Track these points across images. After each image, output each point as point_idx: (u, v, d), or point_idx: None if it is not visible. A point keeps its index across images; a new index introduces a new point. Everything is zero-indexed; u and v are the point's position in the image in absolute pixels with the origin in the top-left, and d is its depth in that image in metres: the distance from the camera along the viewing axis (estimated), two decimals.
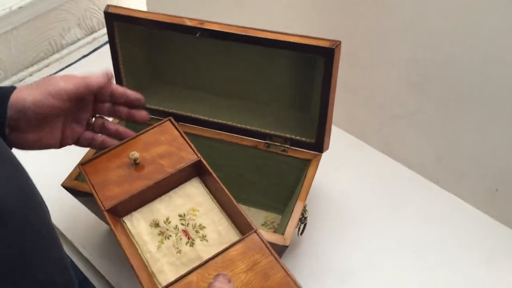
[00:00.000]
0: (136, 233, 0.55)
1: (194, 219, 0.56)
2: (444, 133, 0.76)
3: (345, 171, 0.84)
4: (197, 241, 0.54)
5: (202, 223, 0.55)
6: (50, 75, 1.06)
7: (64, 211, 0.78)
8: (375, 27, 0.75)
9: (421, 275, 0.71)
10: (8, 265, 0.37)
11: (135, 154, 0.56)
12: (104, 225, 0.76)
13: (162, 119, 0.76)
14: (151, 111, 0.76)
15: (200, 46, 0.72)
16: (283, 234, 0.61)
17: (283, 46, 0.63)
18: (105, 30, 1.18)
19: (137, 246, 0.54)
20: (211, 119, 0.75)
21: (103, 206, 0.54)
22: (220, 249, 0.51)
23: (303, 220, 0.68)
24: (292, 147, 0.72)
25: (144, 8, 1.17)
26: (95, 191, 0.56)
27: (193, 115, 0.75)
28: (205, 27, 0.66)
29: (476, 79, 0.70)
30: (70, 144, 0.60)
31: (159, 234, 0.55)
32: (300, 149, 0.72)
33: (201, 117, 0.75)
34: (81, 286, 0.73)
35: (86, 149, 0.72)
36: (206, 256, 0.51)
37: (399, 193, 0.81)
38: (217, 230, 0.55)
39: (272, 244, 0.61)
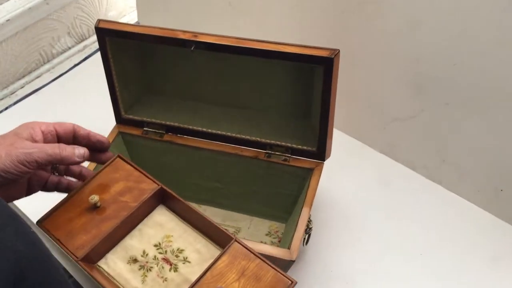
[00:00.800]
0: (115, 274, 0.54)
1: (170, 245, 0.56)
2: (447, 134, 0.75)
3: (348, 174, 0.83)
4: (180, 265, 0.54)
5: (180, 247, 0.55)
6: (42, 86, 1.04)
7: None
8: (375, 29, 0.74)
9: (428, 278, 0.70)
10: None
11: (95, 197, 0.55)
12: None
13: (159, 132, 0.75)
14: (147, 123, 0.75)
15: (195, 57, 0.71)
16: (289, 248, 0.60)
17: (281, 57, 0.62)
18: (95, 37, 1.15)
19: (121, 287, 0.53)
20: (209, 130, 0.73)
21: (75, 256, 0.53)
22: (204, 266, 0.51)
23: (307, 230, 0.68)
24: (294, 156, 0.71)
25: (134, 14, 1.15)
26: (62, 244, 0.54)
27: (191, 127, 0.74)
28: (200, 39, 0.64)
29: (478, 80, 0.69)
30: (37, 191, 0.59)
31: (140, 269, 0.54)
32: (302, 158, 0.70)
33: (199, 128, 0.74)
34: None
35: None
36: (192, 277, 0.52)
37: (402, 195, 0.80)
38: (196, 249, 0.55)
39: (277, 259, 0.60)
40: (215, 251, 0.54)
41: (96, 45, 1.14)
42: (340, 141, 0.80)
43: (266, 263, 0.51)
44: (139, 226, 0.57)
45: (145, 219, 0.58)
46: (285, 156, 0.71)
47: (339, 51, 0.60)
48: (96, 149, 0.59)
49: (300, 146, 0.70)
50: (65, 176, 0.61)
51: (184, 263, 0.54)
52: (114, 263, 0.55)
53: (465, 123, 0.73)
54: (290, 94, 0.70)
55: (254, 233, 0.76)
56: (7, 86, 1.04)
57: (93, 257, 0.54)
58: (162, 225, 0.57)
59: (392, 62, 0.75)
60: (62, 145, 0.54)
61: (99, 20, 0.68)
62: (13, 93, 1.04)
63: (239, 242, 0.52)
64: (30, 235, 0.41)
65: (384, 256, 0.73)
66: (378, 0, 0.71)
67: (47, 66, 1.08)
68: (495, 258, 0.72)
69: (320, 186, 0.69)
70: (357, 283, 0.70)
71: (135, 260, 0.55)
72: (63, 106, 0.98)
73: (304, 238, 0.69)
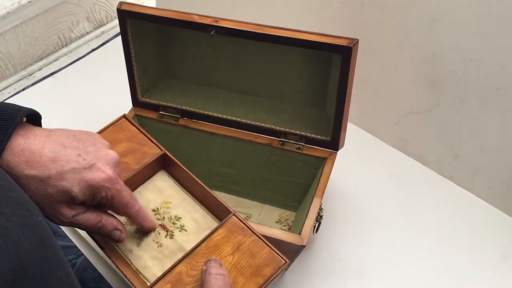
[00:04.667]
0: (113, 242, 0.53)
1: (168, 212, 0.55)
2: (461, 130, 0.75)
3: (360, 167, 0.83)
4: (176, 232, 0.54)
5: (177, 214, 0.55)
6: (60, 69, 1.05)
7: None
8: (393, 23, 0.74)
9: (436, 272, 0.71)
10: None
11: None
12: None
13: (174, 116, 0.76)
14: (163, 107, 0.76)
15: (214, 42, 0.71)
16: (299, 233, 0.61)
17: (300, 45, 0.62)
18: (113, 23, 1.17)
19: (116, 247, 0.53)
20: (224, 117, 0.74)
21: None
22: (200, 236, 0.51)
23: (318, 218, 0.68)
24: (307, 145, 0.71)
25: (153, 2, 1.16)
26: None
27: (206, 112, 0.75)
28: (220, 24, 0.65)
29: (494, 76, 0.69)
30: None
31: (135, 232, 0.54)
32: (315, 147, 0.71)
33: (215, 114, 0.74)
34: (95, 284, 0.73)
35: None
36: (187, 246, 0.52)
37: (413, 189, 0.80)
38: (193, 218, 0.55)
39: (288, 243, 0.61)
40: (212, 223, 0.54)
41: (113, 32, 1.16)
42: (352, 134, 0.80)
43: (262, 240, 0.51)
44: (139, 189, 0.57)
45: (146, 183, 0.57)
46: (298, 144, 0.71)
47: (358, 40, 0.61)
48: None
49: (314, 135, 0.70)
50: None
51: (180, 231, 0.54)
52: None
53: (480, 119, 0.73)
54: (306, 82, 0.70)
55: (264, 220, 0.77)
56: (25, 68, 1.05)
57: None
58: (162, 190, 0.57)
59: (408, 56, 0.75)
60: (103, 219, 0.49)
61: (121, 2, 0.69)
62: (31, 74, 1.05)
63: (237, 217, 0.52)
64: (38, 227, 0.37)
65: (392, 249, 0.73)
66: None
67: (65, 50, 1.09)
68: (505, 256, 0.72)
69: (332, 177, 0.69)
70: (365, 274, 0.71)
71: (132, 223, 0.55)
72: (79, 89, 1.00)
73: (314, 226, 0.70)
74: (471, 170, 0.77)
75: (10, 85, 1.03)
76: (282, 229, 0.75)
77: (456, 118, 0.75)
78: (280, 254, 0.51)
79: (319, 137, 0.70)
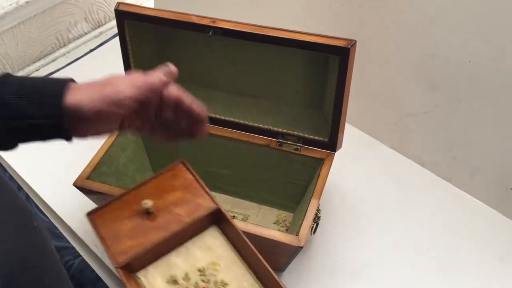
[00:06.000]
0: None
1: (215, 275, 0.50)
2: (459, 131, 0.75)
3: (357, 169, 0.83)
4: None
5: (224, 279, 0.49)
6: (57, 70, 1.05)
7: (75, 209, 0.78)
8: (391, 25, 0.74)
9: (434, 273, 0.71)
10: None
11: (148, 202, 0.51)
12: None
13: None
14: None
15: (212, 43, 0.71)
16: (297, 234, 0.61)
17: (298, 46, 0.62)
18: (111, 24, 1.17)
19: None
20: (222, 117, 0.74)
21: (116, 262, 0.49)
22: None
23: (316, 219, 0.68)
24: (305, 146, 0.71)
25: (151, 3, 1.16)
26: (106, 245, 0.50)
27: None
28: (218, 25, 0.65)
29: (492, 78, 0.69)
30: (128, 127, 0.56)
31: None
32: (313, 148, 0.71)
33: (212, 115, 0.74)
34: (92, 285, 0.73)
35: (98, 146, 0.72)
36: None
37: (411, 191, 0.80)
38: (241, 287, 0.49)
39: (286, 245, 0.61)
40: None
41: (111, 32, 1.16)
42: (350, 135, 0.80)
43: None
44: (187, 244, 0.52)
45: (195, 238, 0.52)
46: (296, 145, 0.71)
47: (355, 42, 0.61)
48: (195, 120, 0.56)
49: (312, 136, 0.70)
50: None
51: None
52: (153, 278, 0.50)
53: (478, 120, 0.73)
54: (304, 84, 0.70)
55: (262, 221, 0.76)
56: (23, 68, 1.05)
57: (133, 266, 0.50)
58: (211, 249, 0.52)
59: (407, 58, 0.75)
60: (148, 73, 0.51)
61: (119, 3, 0.69)
62: (29, 75, 1.05)
63: None
64: (32, 231, 0.38)
65: (390, 250, 0.73)
66: None
67: (63, 50, 1.09)
68: (503, 257, 0.72)
69: (330, 179, 0.69)
70: (363, 275, 0.71)
71: (175, 282, 0.50)
72: None
73: (312, 227, 0.70)
74: (469, 171, 0.77)
75: None
76: (280, 230, 0.75)
77: (454, 119, 0.75)
78: None
79: (317, 138, 0.70)
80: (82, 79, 1.04)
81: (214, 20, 0.65)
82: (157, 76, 0.51)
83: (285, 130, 0.72)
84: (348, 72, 0.63)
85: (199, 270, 0.51)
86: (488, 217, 0.77)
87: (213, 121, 0.74)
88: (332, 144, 0.70)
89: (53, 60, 1.08)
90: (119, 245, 0.49)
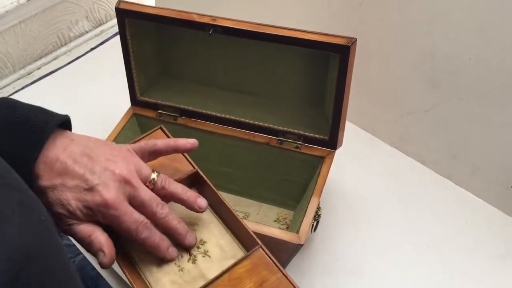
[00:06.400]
0: (133, 250, 0.51)
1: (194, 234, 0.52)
2: (459, 129, 0.75)
3: (358, 167, 0.83)
4: (199, 257, 0.51)
5: (203, 238, 0.52)
6: (58, 68, 1.06)
7: None
8: (391, 22, 0.74)
9: (434, 271, 0.71)
10: None
11: None
12: None
13: (173, 115, 0.76)
14: (161, 106, 0.76)
15: (212, 41, 0.71)
16: (297, 232, 0.61)
17: (299, 44, 0.62)
18: (112, 22, 1.17)
19: (136, 264, 0.50)
20: (223, 116, 0.74)
21: None
22: (224, 265, 0.48)
23: (316, 217, 0.68)
24: (305, 144, 0.71)
25: (152, 1, 1.16)
26: None
27: (204, 111, 0.75)
28: (218, 23, 0.65)
29: (493, 76, 0.69)
30: None
31: None
32: (313, 146, 0.71)
33: (213, 113, 0.74)
34: (94, 282, 0.73)
35: None
36: (209, 273, 0.48)
37: (412, 188, 0.80)
38: (219, 244, 0.51)
39: (286, 242, 0.61)
40: (238, 251, 0.51)
41: (112, 31, 1.16)
42: (351, 133, 0.80)
43: (288, 279, 0.47)
44: (170, 204, 0.53)
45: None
46: (297, 143, 0.71)
47: (356, 39, 0.61)
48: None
49: (312, 134, 0.70)
50: None
51: (204, 256, 0.51)
52: None
53: (478, 118, 0.73)
54: (304, 82, 0.70)
55: (262, 219, 0.77)
56: (24, 67, 1.05)
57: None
58: (189, 210, 0.53)
59: (407, 56, 0.75)
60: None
61: (119, 1, 0.69)
62: (30, 73, 1.05)
63: (264, 250, 0.48)
64: (39, 225, 0.37)
65: (391, 248, 0.74)
66: None
67: (64, 49, 1.10)
68: (503, 255, 0.72)
69: (330, 177, 0.69)
70: (363, 273, 0.71)
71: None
72: (78, 88, 1.00)
73: (313, 225, 0.70)
74: (470, 169, 0.77)
75: (9, 84, 1.03)
76: (280, 228, 0.76)
77: (455, 117, 0.75)
78: None
79: (317, 136, 0.70)
80: (83, 77, 1.04)
81: (214, 18, 0.65)
82: (183, 144, 0.53)
83: (285, 128, 0.72)
84: (348, 70, 0.63)
85: None
86: (489, 215, 0.77)
87: (214, 119, 0.75)
88: (332, 142, 0.70)
89: (54, 59, 1.08)
90: None
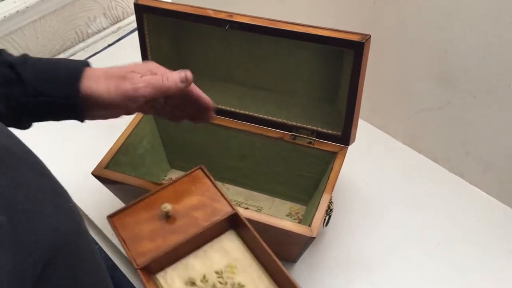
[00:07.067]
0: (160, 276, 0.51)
1: (232, 277, 0.52)
2: (472, 127, 0.76)
3: (370, 164, 0.84)
4: None
5: (241, 282, 0.51)
6: None
7: (93, 198, 0.80)
8: (405, 20, 0.75)
9: (445, 267, 0.71)
10: None
11: (168, 206, 0.53)
12: None
13: None
14: None
15: (228, 37, 0.73)
16: (310, 225, 0.62)
17: (313, 40, 0.63)
18: (129, 19, 1.19)
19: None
20: (237, 111, 0.75)
21: (136, 263, 0.50)
22: None
23: (328, 212, 0.69)
24: (319, 139, 0.72)
25: None
26: (126, 247, 0.52)
27: (219, 106, 0.76)
28: (234, 19, 0.66)
29: (506, 74, 0.69)
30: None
31: None
32: (327, 142, 0.72)
33: (228, 108, 0.76)
34: (110, 273, 0.75)
35: (117, 136, 0.73)
36: None
37: (424, 186, 0.81)
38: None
39: (298, 235, 0.62)
40: None
41: (129, 28, 1.18)
42: (364, 130, 0.81)
43: None
44: (205, 247, 0.54)
45: (212, 242, 0.54)
46: (310, 138, 0.72)
47: (370, 36, 0.62)
48: (201, 110, 0.62)
49: (325, 130, 0.71)
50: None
51: None
52: (172, 279, 0.52)
53: (492, 116, 0.73)
54: (318, 78, 0.71)
55: (275, 213, 0.78)
56: None
57: (152, 268, 0.52)
58: (228, 252, 0.53)
59: (420, 53, 0.76)
60: (165, 75, 0.54)
61: None
62: None
63: None
64: (69, 212, 0.39)
65: (402, 243, 0.74)
66: None
67: (81, 45, 1.12)
68: None
69: (342, 173, 0.70)
70: (374, 268, 0.72)
71: (193, 283, 0.51)
72: None
73: (325, 219, 0.71)
74: (482, 167, 0.78)
75: None
76: (292, 222, 0.77)
77: (468, 115, 0.76)
78: None
79: (330, 132, 0.71)
80: None
81: (231, 14, 0.67)
82: (174, 81, 0.54)
83: (299, 124, 0.73)
84: (362, 67, 0.63)
85: (216, 273, 0.52)
86: (501, 213, 0.77)
87: (228, 114, 0.76)
88: (345, 138, 0.71)
89: (72, 54, 1.10)
90: (139, 247, 0.51)
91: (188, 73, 0.56)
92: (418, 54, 0.76)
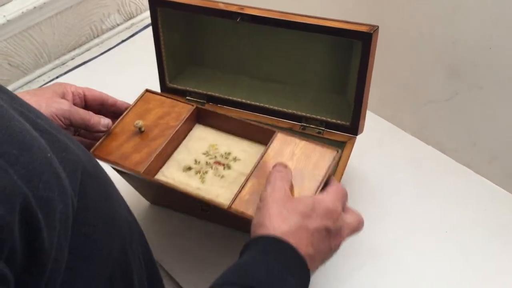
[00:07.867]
0: (175, 182, 0.60)
1: (218, 151, 0.63)
2: (480, 118, 0.77)
3: (379, 155, 0.85)
4: (232, 163, 0.61)
5: (227, 150, 0.63)
6: (91, 59, 1.10)
7: None
8: (413, 11, 0.76)
9: (453, 257, 0.72)
10: None
11: (140, 122, 0.61)
12: (144, 201, 0.80)
13: (200, 101, 0.79)
14: (189, 93, 0.79)
15: (239, 30, 0.74)
16: None
17: (322, 31, 0.65)
18: (142, 16, 1.21)
19: (185, 188, 0.59)
20: (248, 102, 0.77)
21: (137, 171, 0.58)
22: (254, 161, 0.58)
23: None
24: (328, 130, 0.74)
25: None
26: (120, 165, 0.59)
27: (230, 98, 0.78)
28: (246, 12, 0.68)
29: None
30: None
31: (196, 173, 0.61)
32: (335, 132, 0.73)
33: (238, 99, 0.77)
34: None
35: None
36: (246, 170, 0.58)
37: (431, 176, 0.82)
38: (242, 149, 0.62)
39: None
40: (259, 148, 0.61)
41: (142, 24, 1.20)
42: (372, 122, 0.82)
43: (312, 143, 0.58)
44: (184, 142, 0.64)
45: (187, 137, 0.64)
46: (319, 129, 0.74)
47: (378, 27, 0.63)
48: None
49: (334, 120, 0.73)
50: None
51: (235, 161, 0.61)
52: (170, 173, 0.61)
53: (499, 107, 0.74)
54: (327, 69, 0.73)
55: None
56: (59, 57, 1.10)
57: (150, 172, 0.59)
58: (204, 138, 0.64)
59: (428, 45, 0.77)
60: (91, 113, 0.61)
61: None
62: (64, 63, 1.10)
63: (281, 132, 0.58)
64: (87, 152, 0.46)
65: (409, 233, 0.75)
66: None
67: (96, 41, 1.14)
68: None
69: (351, 164, 0.71)
70: (382, 257, 0.73)
71: (189, 168, 0.61)
72: (110, 77, 1.04)
73: None
74: (489, 157, 0.79)
75: (44, 73, 1.08)
76: None
77: (475, 106, 0.77)
78: (330, 147, 0.58)
79: (339, 122, 0.73)
80: (114, 67, 1.08)
81: (241, 7, 0.69)
82: (97, 122, 0.62)
83: (308, 114, 0.74)
84: (370, 57, 0.65)
85: (204, 154, 0.63)
86: (508, 202, 0.78)
87: (239, 105, 0.78)
88: (354, 128, 0.72)
89: (87, 50, 1.13)
90: (131, 160, 0.60)
91: (110, 122, 0.63)
92: (426, 46, 0.77)
